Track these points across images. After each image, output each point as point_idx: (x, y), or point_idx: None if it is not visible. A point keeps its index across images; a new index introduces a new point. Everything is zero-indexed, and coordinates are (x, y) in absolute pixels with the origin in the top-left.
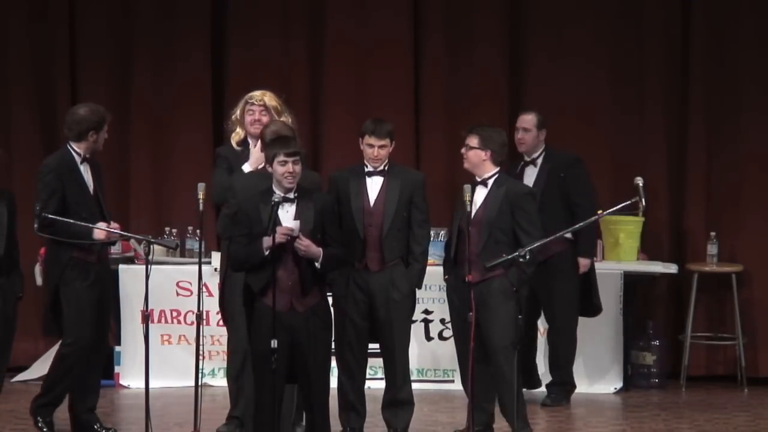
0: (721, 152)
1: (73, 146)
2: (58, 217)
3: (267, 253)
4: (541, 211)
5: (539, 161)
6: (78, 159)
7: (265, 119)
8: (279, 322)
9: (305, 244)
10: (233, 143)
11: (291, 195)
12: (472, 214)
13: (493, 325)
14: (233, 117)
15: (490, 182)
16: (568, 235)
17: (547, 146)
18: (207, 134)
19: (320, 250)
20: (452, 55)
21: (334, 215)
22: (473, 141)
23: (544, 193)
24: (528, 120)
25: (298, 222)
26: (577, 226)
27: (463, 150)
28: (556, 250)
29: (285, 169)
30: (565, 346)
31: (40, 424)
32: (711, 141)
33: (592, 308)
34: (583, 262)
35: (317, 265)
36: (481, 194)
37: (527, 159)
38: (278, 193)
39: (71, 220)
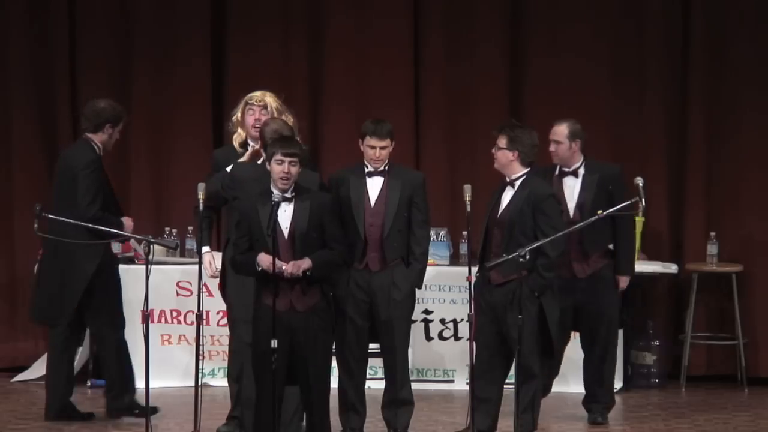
0: (721, 152)
1: (93, 139)
2: (106, 214)
3: (260, 269)
4: (591, 224)
5: (581, 171)
6: (101, 154)
7: (265, 120)
8: (278, 322)
9: (293, 272)
10: (236, 144)
11: (288, 194)
12: (498, 213)
13: (521, 328)
14: (234, 118)
15: (517, 183)
16: (610, 246)
17: (586, 156)
18: (207, 136)
19: (307, 262)
20: (452, 55)
21: (333, 214)
22: (502, 141)
23: (593, 206)
24: (559, 132)
25: (282, 264)
26: (576, 226)
27: (493, 150)
28: (599, 265)
29: (281, 168)
30: (609, 364)
31: (136, 411)
32: (711, 141)
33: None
34: (623, 279)
35: (308, 274)
36: (507, 195)
37: (566, 169)
38: (276, 192)
39: (113, 216)
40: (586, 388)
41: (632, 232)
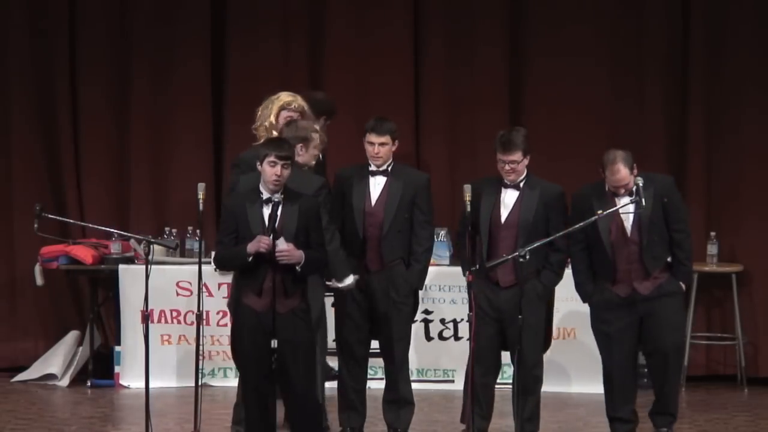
0: (721, 152)
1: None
2: None
3: (250, 259)
4: (651, 240)
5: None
6: None
7: (291, 117)
8: (259, 323)
9: (286, 254)
10: None
11: (277, 197)
12: (505, 215)
13: (527, 332)
14: (266, 123)
15: (522, 184)
16: (669, 259)
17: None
18: (206, 136)
19: (301, 254)
20: (452, 56)
21: (319, 219)
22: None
23: (652, 218)
24: (621, 171)
25: (282, 239)
26: (571, 229)
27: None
28: (661, 280)
29: (273, 170)
30: (675, 376)
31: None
32: (711, 140)
33: None
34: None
35: (297, 269)
36: (510, 196)
37: None
38: (266, 193)
39: None
40: (655, 403)
41: (689, 242)
